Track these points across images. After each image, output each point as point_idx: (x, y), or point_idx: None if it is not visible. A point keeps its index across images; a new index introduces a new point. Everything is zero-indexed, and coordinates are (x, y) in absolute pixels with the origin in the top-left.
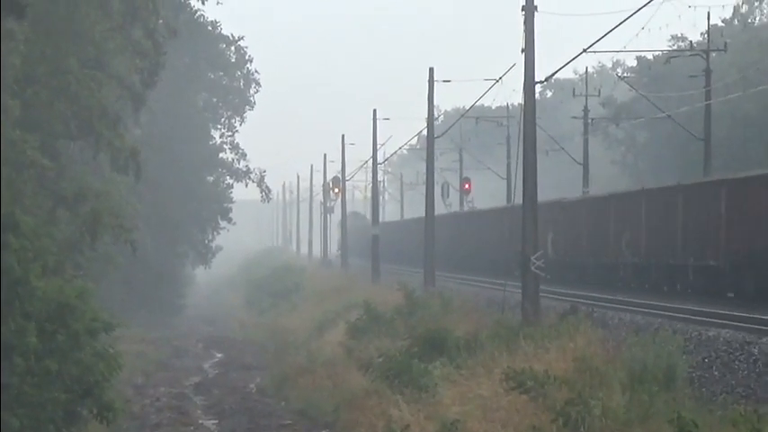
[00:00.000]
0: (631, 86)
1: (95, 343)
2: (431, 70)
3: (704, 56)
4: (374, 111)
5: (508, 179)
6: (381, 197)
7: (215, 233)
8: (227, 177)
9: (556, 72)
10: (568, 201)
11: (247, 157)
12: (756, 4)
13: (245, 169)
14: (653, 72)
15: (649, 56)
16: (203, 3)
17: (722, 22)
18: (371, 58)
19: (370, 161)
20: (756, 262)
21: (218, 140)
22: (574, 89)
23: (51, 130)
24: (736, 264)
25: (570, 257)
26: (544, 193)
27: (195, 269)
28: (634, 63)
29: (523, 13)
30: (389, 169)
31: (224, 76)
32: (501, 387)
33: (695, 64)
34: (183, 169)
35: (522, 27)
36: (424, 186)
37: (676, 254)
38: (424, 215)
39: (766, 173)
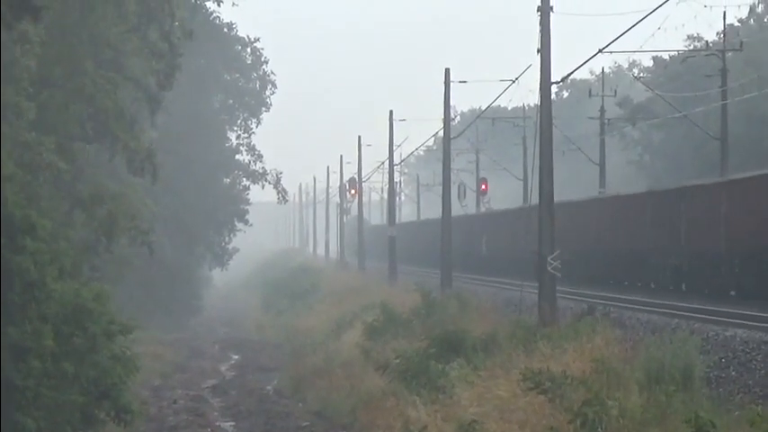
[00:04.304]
0: (647, 86)
1: (112, 345)
2: (447, 71)
3: (720, 55)
4: (390, 112)
5: (525, 180)
6: (398, 198)
7: (231, 235)
8: (244, 179)
9: (572, 72)
10: (495, 211)
11: (264, 158)
12: None
13: (261, 171)
14: (669, 72)
15: (665, 56)
16: (219, 4)
17: (738, 21)
18: (388, 60)
19: (387, 162)
20: (587, 256)
21: (235, 142)
22: (590, 89)
23: (67, 133)
24: (577, 257)
25: (496, 254)
26: (561, 194)
27: (212, 271)
28: (650, 63)
29: (539, 13)
30: (406, 170)
31: (240, 77)
32: (518, 388)
33: (711, 64)
34: (199, 171)
35: (537, 28)
36: (441, 187)
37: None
38: (440, 216)
39: (590, 199)
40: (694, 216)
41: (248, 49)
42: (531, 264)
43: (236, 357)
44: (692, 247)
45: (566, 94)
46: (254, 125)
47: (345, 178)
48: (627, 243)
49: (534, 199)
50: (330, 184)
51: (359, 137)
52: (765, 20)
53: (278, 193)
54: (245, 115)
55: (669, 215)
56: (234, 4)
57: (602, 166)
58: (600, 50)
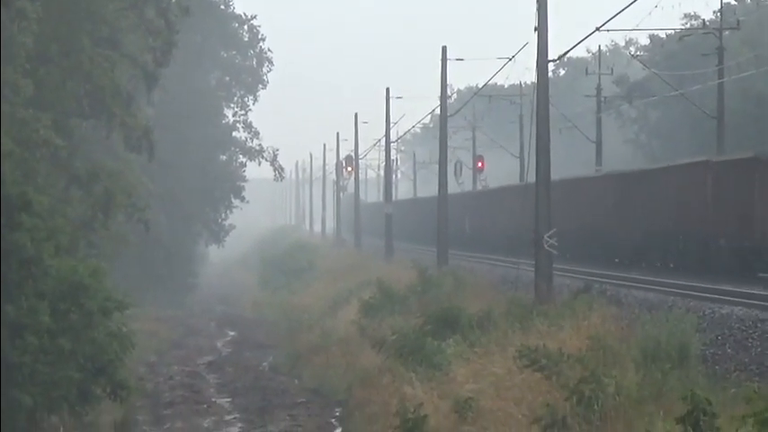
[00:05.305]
0: (644, 65)
1: (109, 322)
2: (444, 49)
3: (717, 34)
4: (387, 89)
5: (521, 158)
6: (394, 176)
7: (228, 212)
8: (240, 156)
9: (569, 50)
10: (475, 192)
11: (260, 135)
12: None
13: (258, 148)
14: (666, 50)
15: (662, 34)
16: None
17: (735, 0)
18: (385, 37)
19: (384, 140)
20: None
21: (231, 119)
22: (587, 68)
23: (64, 109)
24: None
25: (478, 232)
26: (557, 172)
27: (208, 248)
28: (647, 41)
29: None
30: (403, 148)
31: (237, 54)
32: (514, 365)
33: (708, 42)
34: (196, 148)
35: (535, 5)
36: (437, 165)
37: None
38: (436, 193)
39: (559, 180)
40: (650, 198)
41: (245, 27)
42: (510, 240)
43: (233, 334)
44: (647, 226)
45: (562, 72)
46: (250, 102)
47: (342, 155)
48: (593, 221)
49: (531, 177)
50: (327, 162)
51: (355, 114)
52: None
53: (274, 171)
54: (242, 92)
55: (628, 197)
56: None
57: (598, 144)
58: (597, 29)
